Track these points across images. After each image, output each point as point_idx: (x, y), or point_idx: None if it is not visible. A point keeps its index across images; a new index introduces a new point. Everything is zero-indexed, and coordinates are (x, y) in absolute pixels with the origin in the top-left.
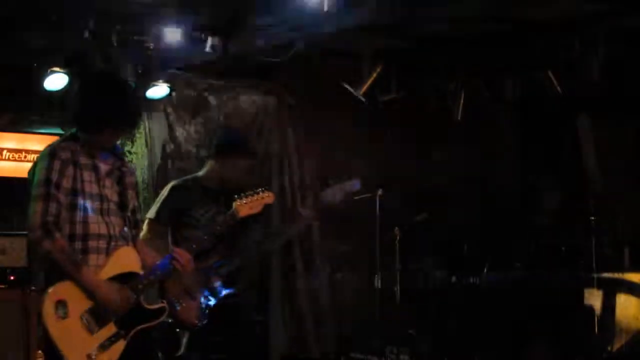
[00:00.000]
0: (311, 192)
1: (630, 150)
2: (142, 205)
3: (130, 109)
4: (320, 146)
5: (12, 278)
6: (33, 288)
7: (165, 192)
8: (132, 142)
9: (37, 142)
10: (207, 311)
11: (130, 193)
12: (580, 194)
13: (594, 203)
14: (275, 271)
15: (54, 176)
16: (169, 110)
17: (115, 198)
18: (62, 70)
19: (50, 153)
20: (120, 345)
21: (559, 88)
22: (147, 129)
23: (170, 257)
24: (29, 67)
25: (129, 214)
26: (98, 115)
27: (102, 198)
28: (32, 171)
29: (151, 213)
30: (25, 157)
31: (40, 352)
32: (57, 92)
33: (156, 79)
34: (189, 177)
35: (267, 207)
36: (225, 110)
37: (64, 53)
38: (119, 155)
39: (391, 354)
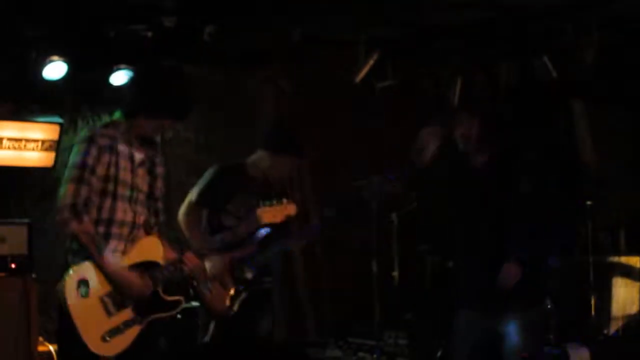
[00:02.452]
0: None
1: (624, 135)
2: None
3: (186, 102)
4: (317, 133)
5: (13, 266)
6: (34, 276)
7: (210, 173)
8: None
9: (37, 131)
10: (238, 301)
11: (160, 183)
12: (576, 178)
13: (589, 187)
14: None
15: (90, 161)
16: None
17: (145, 188)
18: (60, 59)
19: (89, 138)
20: (135, 330)
21: (554, 73)
22: None
23: (180, 260)
24: (28, 56)
25: (154, 202)
26: (158, 103)
27: (133, 187)
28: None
29: (193, 195)
30: (25, 146)
31: (41, 339)
32: (55, 80)
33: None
34: (234, 162)
35: (288, 218)
36: (223, 98)
37: (61, 42)
38: (154, 146)
39: (389, 338)
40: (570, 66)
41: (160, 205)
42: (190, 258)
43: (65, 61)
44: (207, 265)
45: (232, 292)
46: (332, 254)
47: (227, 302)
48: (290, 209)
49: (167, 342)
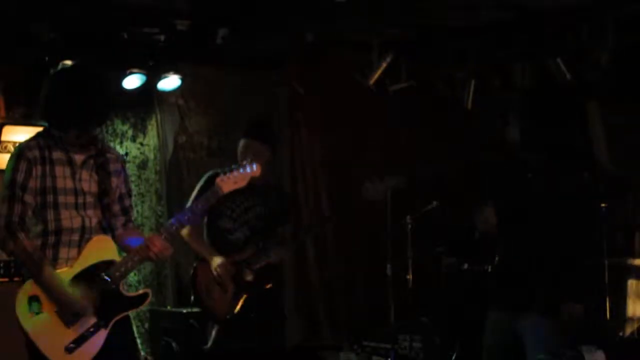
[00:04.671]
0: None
1: None
2: (148, 191)
3: (94, 107)
4: (331, 136)
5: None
6: None
7: (201, 182)
8: (144, 134)
9: None
10: (239, 305)
11: (115, 181)
12: (591, 180)
13: (604, 189)
14: (289, 261)
15: (20, 177)
16: (180, 102)
17: (93, 189)
18: (73, 63)
19: (17, 154)
20: (102, 334)
21: (568, 75)
22: (159, 121)
23: (144, 244)
24: (40, 60)
25: (109, 201)
26: (62, 114)
27: (77, 192)
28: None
29: (189, 203)
30: None
31: None
32: None
33: (167, 71)
34: (226, 168)
35: (253, 180)
36: (236, 101)
37: (74, 45)
38: (96, 143)
39: (404, 341)
40: (586, 67)
41: (127, 202)
42: (154, 241)
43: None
44: (212, 267)
45: (232, 295)
46: (346, 257)
47: (229, 306)
48: (254, 172)
49: (180, 347)
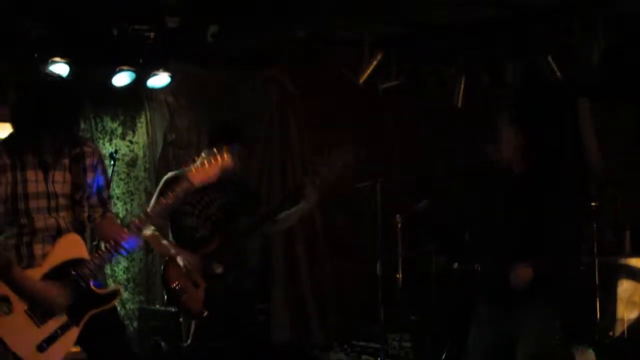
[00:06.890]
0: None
1: (630, 135)
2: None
3: (56, 118)
4: (321, 133)
5: None
6: None
7: (160, 185)
8: (134, 131)
9: None
10: (212, 299)
11: (91, 175)
12: (581, 179)
13: (594, 188)
14: (278, 259)
15: None
16: (170, 99)
17: (66, 190)
18: (62, 60)
19: None
20: (73, 333)
21: (558, 73)
22: (148, 118)
23: (112, 239)
24: (30, 57)
25: (82, 195)
26: (26, 124)
27: (49, 195)
28: None
29: (149, 206)
30: None
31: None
32: None
33: (157, 69)
34: (184, 168)
35: (226, 171)
36: (226, 99)
37: (64, 42)
38: (69, 139)
39: (393, 341)
40: (576, 66)
41: (104, 194)
42: (123, 235)
43: (67, 62)
44: (181, 264)
45: (204, 290)
46: (336, 256)
47: (201, 301)
48: (225, 161)
49: (169, 346)
